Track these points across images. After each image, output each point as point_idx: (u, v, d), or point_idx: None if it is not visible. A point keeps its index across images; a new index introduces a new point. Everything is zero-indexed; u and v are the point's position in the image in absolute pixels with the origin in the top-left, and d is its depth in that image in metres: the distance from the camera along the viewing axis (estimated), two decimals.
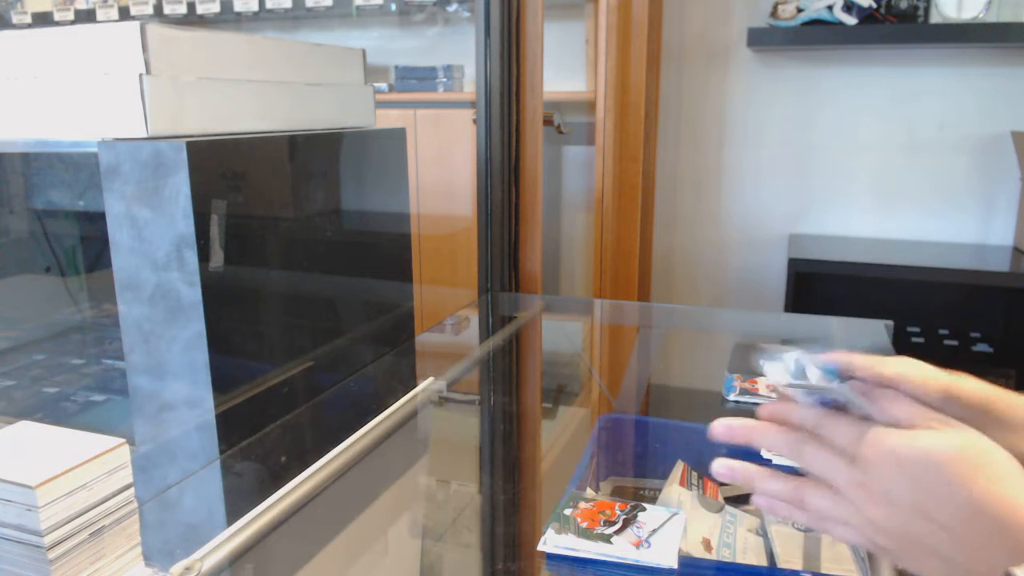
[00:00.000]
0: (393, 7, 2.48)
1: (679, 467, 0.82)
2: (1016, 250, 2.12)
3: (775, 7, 2.16)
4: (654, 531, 0.66)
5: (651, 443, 0.92)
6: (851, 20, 2.05)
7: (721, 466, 0.52)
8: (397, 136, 1.21)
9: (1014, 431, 0.55)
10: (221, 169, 0.84)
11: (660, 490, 0.79)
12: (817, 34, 2.12)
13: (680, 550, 0.65)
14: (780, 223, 2.38)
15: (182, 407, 0.85)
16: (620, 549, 0.64)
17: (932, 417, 0.46)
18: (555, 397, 1.17)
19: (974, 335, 2.20)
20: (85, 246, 1.30)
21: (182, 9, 2.66)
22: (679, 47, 2.36)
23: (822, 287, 2.30)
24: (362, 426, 0.91)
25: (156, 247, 0.82)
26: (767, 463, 0.81)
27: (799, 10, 2.11)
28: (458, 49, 2.53)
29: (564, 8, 2.39)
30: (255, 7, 2.56)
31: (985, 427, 0.55)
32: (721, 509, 0.76)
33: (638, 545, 0.65)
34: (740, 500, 0.80)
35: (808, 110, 2.28)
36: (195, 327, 0.82)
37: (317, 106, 1.07)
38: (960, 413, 0.55)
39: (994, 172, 2.17)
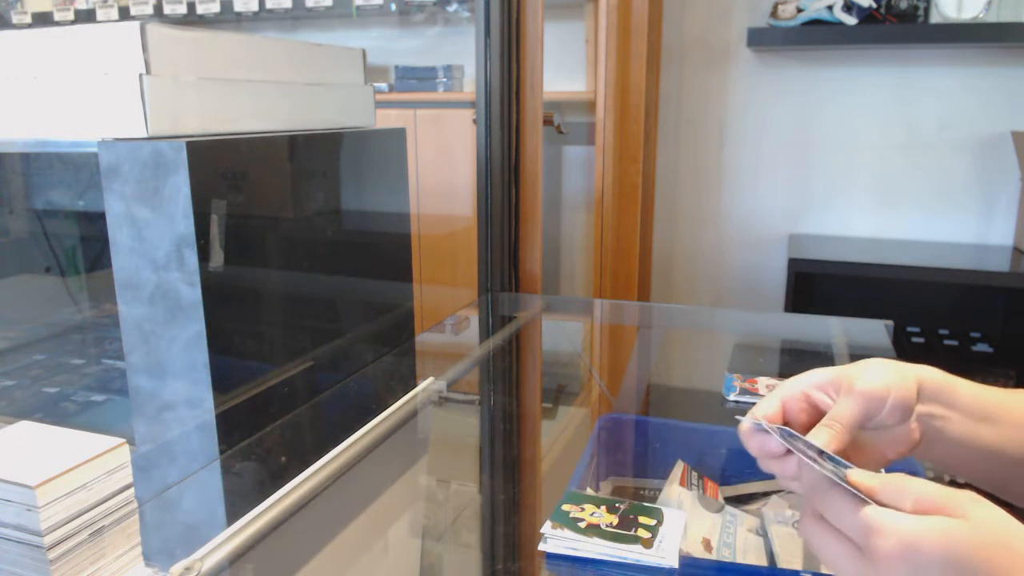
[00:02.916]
0: (393, 7, 2.48)
1: (679, 467, 0.82)
2: (1016, 250, 2.12)
3: (775, 7, 2.16)
4: (654, 531, 0.66)
5: (651, 443, 0.92)
6: (851, 20, 2.05)
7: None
8: (397, 136, 1.21)
9: (974, 420, 0.55)
10: (221, 169, 0.84)
11: (660, 490, 0.79)
12: (817, 34, 2.12)
13: (680, 550, 0.65)
14: (780, 223, 2.38)
15: (182, 407, 0.85)
16: (620, 549, 0.64)
17: (943, 497, 0.42)
18: (555, 397, 1.17)
19: (974, 335, 2.20)
20: (85, 246, 1.30)
21: (182, 9, 2.66)
22: (679, 47, 2.36)
23: (822, 287, 2.30)
24: (362, 426, 0.91)
25: (156, 247, 0.82)
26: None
27: (799, 10, 2.11)
28: (458, 49, 2.53)
29: (564, 8, 2.39)
30: (255, 7, 2.56)
31: (940, 412, 0.55)
32: (721, 509, 0.76)
33: (639, 545, 0.65)
34: (740, 500, 0.80)
35: (808, 110, 2.28)
36: (195, 327, 0.82)
37: (317, 106, 1.07)
38: (932, 403, 0.55)
39: (994, 172, 2.17)
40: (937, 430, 0.55)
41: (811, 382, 0.56)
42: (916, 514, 0.42)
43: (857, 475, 0.45)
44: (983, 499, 0.41)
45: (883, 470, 0.75)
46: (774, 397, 0.56)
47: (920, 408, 0.55)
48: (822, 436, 0.51)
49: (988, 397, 0.56)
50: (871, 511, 0.43)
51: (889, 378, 0.54)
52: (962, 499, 0.41)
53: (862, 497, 0.44)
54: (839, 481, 0.45)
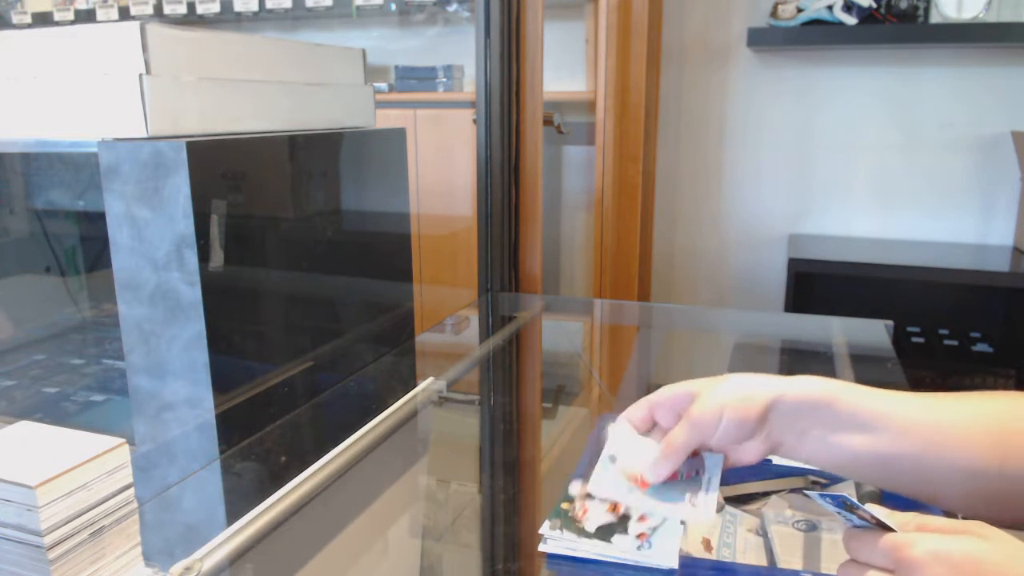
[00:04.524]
0: (393, 7, 2.48)
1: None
2: (1016, 250, 2.12)
3: (775, 7, 2.16)
4: (654, 530, 0.66)
5: None
6: (851, 20, 2.05)
7: None
8: (397, 136, 1.21)
9: (847, 431, 0.56)
10: (221, 169, 0.84)
11: None
12: (817, 34, 2.12)
13: (680, 550, 0.65)
14: (780, 223, 2.38)
15: (182, 407, 0.85)
16: (620, 549, 0.64)
17: (961, 524, 0.46)
18: (555, 397, 1.17)
19: (974, 335, 2.20)
20: (85, 246, 1.30)
21: (182, 9, 2.66)
22: (679, 47, 2.36)
23: (822, 287, 2.30)
24: (362, 426, 0.91)
25: (156, 247, 0.82)
26: (768, 463, 0.81)
27: (799, 10, 2.11)
28: (458, 49, 2.53)
29: (564, 8, 2.39)
30: (255, 7, 2.56)
31: (797, 427, 0.58)
32: (721, 509, 0.76)
33: (638, 545, 0.65)
34: (740, 500, 0.80)
35: (808, 110, 2.28)
36: (195, 327, 0.82)
37: (317, 106, 1.07)
38: (790, 418, 0.58)
39: (994, 172, 2.17)
40: (794, 443, 0.59)
41: (668, 395, 0.64)
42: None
43: (879, 511, 0.48)
44: (995, 529, 0.45)
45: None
46: (644, 403, 0.65)
47: (773, 423, 0.59)
48: (658, 464, 0.60)
49: (871, 407, 0.56)
50: (896, 534, 0.46)
51: (727, 400, 0.59)
52: (978, 525, 0.45)
53: (889, 528, 0.47)
54: (866, 524, 0.48)
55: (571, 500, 0.71)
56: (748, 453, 0.61)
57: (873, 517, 0.48)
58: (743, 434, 0.59)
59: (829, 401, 0.57)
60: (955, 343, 2.14)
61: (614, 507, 0.70)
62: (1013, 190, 2.15)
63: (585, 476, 0.73)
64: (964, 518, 0.53)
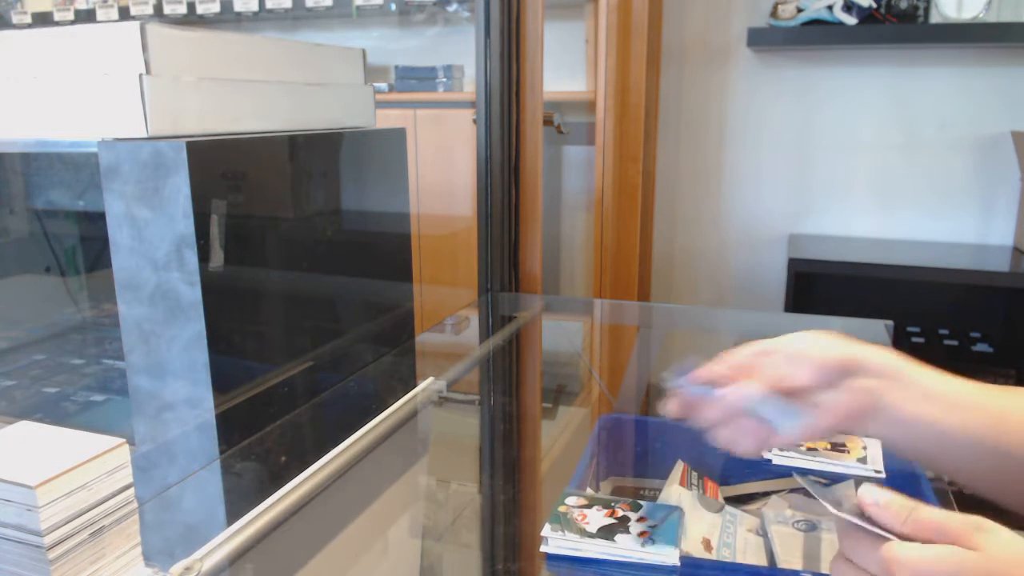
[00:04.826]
0: (393, 7, 2.48)
1: (679, 467, 0.82)
2: (1016, 250, 2.12)
3: (775, 7, 2.16)
4: (655, 528, 0.66)
5: (651, 443, 0.92)
6: (851, 20, 2.05)
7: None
8: (397, 136, 1.21)
9: (918, 396, 0.58)
10: (221, 169, 0.84)
11: (660, 490, 0.79)
12: (817, 34, 2.12)
13: (680, 550, 0.65)
14: (780, 223, 2.38)
15: (182, 407, 0.85)
16: (623, 547, 0.64)
17: (957, 527, 0.46)
18: (555, 397, 1.17)
19: (974, 335, 2.20)
20: (85, 246, 1.30)
21: (182, 9, 2.66)
22: (679, 47, 2.36)
23: (822, 287, 2.30)
24: (362, 426, 0.91)
25: (156, 247, 0.82)
26: (768, 463, 0.81)
27: (799, 10, 2.11)
28: (458, 49, 2.53)
29: (564, 8, 2.39)
30: (255, 7, 2.56)
31: (882, 385, 0.59)
32: (721, 509, 0.76)
33: (641, 542, 0.65)
34: (740, 500, 0.80)
35: (808, 110, 2.28)
36: (195, 327, 0.82)
37: (317, 106, 1.07)
38: (872, 380, 0.59)
39: (994, 172, 2.17)
40: (876, 402, 0.59)
41: (749, 353, 0.66)
42: (933, 543, 0.45)
43: (871, 496, 0.48)
44: (995, 526, 0.45)
45: (884, 472, 0.75)
46: (723, 361, 0.66)
47: (856, 382, 0.59)
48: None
49: (941, 387, 0.58)
50: (888, 547, 0.46)
51: (810, 342, 0.61)
52: (974, 527, 0.45)
53: (883, 535, 0.47)
54: (861, 523, 0.48)
55: (568, 506, 0.71)
56: (833, 407, 0.60)
57: (868, 519, 0.48)
58: (825, 377, 0.59)
59: (903, 371, 0.59)
60: (955, 343, 2.14)
61: (612, 512, 0.70)
62: (1013, 190, 2.15)
63: (582, 483, 0.73)
64: (965, 490, 0.54)
